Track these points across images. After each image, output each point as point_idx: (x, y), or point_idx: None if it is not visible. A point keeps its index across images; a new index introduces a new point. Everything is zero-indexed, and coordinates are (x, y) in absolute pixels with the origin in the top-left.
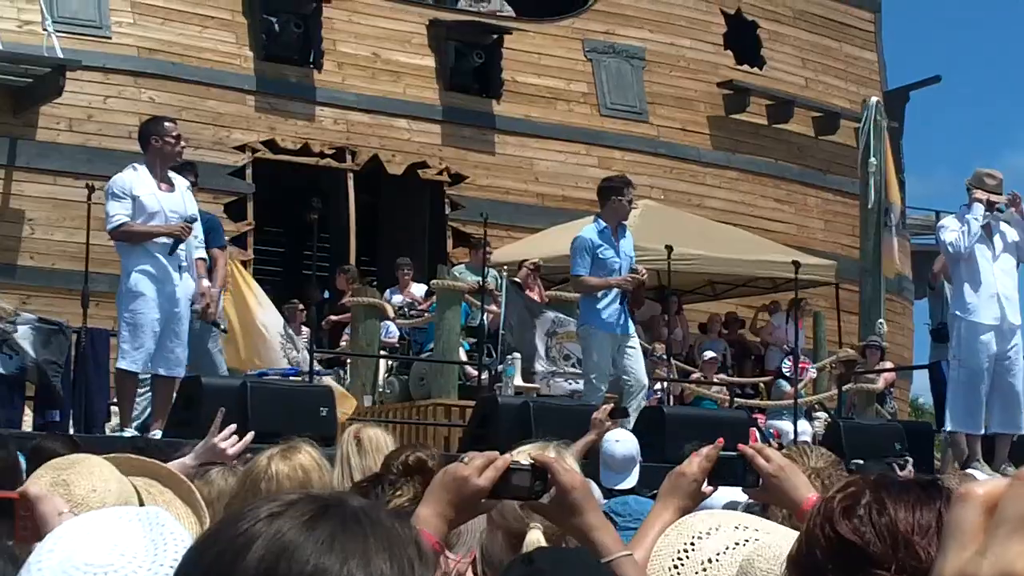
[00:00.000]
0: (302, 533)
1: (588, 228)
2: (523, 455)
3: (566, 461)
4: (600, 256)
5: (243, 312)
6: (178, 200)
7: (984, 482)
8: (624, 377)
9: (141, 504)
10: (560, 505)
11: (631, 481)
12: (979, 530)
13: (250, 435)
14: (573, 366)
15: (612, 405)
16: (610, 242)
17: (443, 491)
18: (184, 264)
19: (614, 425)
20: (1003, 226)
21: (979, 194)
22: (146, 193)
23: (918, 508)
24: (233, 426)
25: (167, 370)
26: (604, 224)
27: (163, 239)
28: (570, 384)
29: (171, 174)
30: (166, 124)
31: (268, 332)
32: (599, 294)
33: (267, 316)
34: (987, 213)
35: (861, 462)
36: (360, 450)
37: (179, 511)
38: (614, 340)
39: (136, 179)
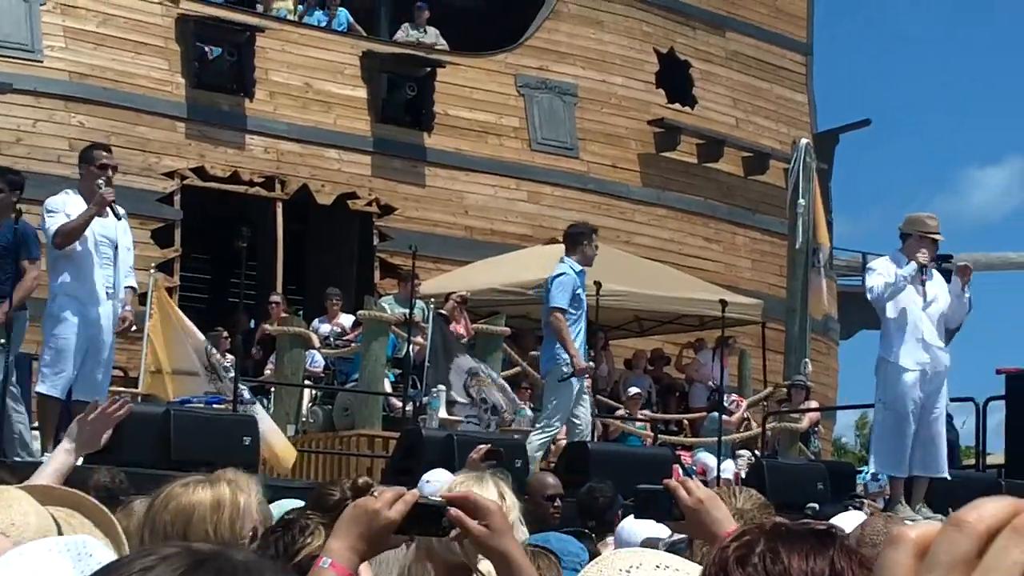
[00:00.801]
0: None
1: (566, 267)
2: (435, 481)
3: (491, 490)
4: (578, 296)
5: (168, 339)
6: (110, 225)
7: (916, 525)
8: (575, 420)
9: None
10: (484, 529)
11: None
12: (910, 574)
13: (129, 406)
14: (487, 412)
15: (489, 447)
16: (583, 285)
17: (354, 524)
18: (111, 290)
19: (486, 468)
20: (937, 275)
21: (921, 256)
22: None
23: (812, 556)
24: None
25: (87, 396)
26: (579, 267)
27: (96, 257)
28: (470, 424)
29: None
30: (95, 152)
31: (191, 359)
32: (576, 337)
33: (191, 343)
34: (916, 274)
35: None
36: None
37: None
38: (578, 384)
39: (69, 202)
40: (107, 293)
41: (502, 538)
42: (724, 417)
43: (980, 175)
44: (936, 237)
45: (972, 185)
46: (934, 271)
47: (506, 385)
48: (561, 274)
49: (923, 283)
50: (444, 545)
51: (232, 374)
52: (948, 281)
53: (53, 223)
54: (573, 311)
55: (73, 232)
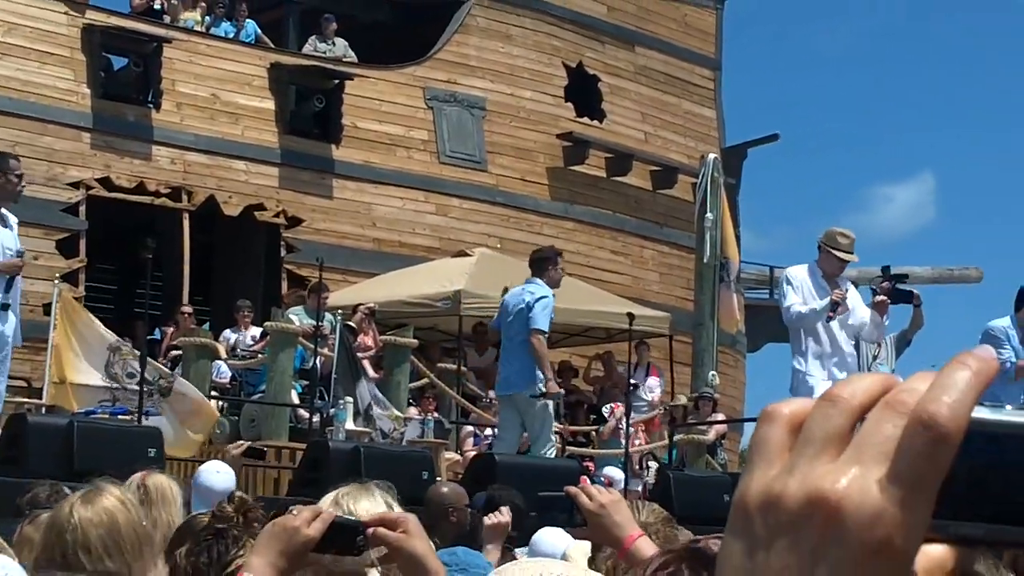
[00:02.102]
0: None
1: (546, 289)
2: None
3: (378, 500)
4: (554, 319)
5: (73, 349)
6: (10, 237)
7: (789, 401)
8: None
9: None
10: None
11: None
12: (784, 449)
13: None
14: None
15: (247, 444)
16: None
17: (273, 540)
18: (9, 302)
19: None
20: (852, 292)
21: (836, 295)
22: None
23: None
24: None
25: None
26: (552, 292)
27: None
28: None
29: (3, 211)
30: (11, 162)
31: (97, 364)
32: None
33: (97, 347)
34: (832, 312)
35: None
36: (147, 499)
37: None
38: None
39: None
40: (6, 305)
41: (418, 542)
42: (601, 428)
43: (890, 191)
44: (841, 256)
45: (881, 201)
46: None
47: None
48: (543, 296)
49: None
50: (338, 561)
51: (136, 379)
52: (904, 300)
53: None
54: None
55: None
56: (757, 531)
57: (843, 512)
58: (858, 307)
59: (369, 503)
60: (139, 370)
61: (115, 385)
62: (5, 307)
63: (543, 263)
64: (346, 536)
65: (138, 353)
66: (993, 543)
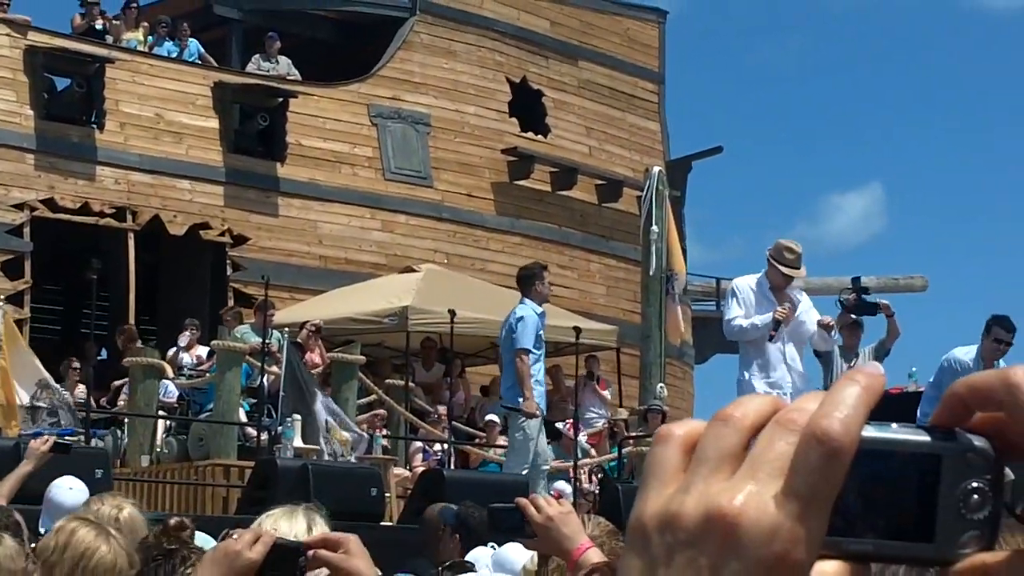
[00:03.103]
0: None
1: (527, 308)
2: (272, 522)
3: (300, 522)
4: (539, 336)
5: (15, 371)
6: None
7: (682, 423)
8: (537, 460)
9: None
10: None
11: None
12: (679, 469)
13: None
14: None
15: (53, 439)
16: (543, 324)
17: (215, 565)
18: None
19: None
20: (805, 298)
21: (778, 313)
22: None
23: None
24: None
25: None
26: (538, 307)
27: None
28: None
29: None
30: None
31: (19, 395)
32: (534, 380)
33: (27, 378)
34: (774, 331)
35: None
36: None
37: None
38: (537, 420)
39: None
40: None
41: (359, 561)
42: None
43: (840, 201)
44: (785, 271)
45: (833, 210)
46: (798, 294)
47: (353, 427)
48: (522, 317)
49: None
50: None
51: (74, 411)
52: (868, 312)
53: None
54: (536, 351)
55: None
56: (655, 550)
57: (740, 528)
58: (808, 316)
59: (288, 525)
60: (64, 407)
61: (36, 416)
62: None
63: (527, 281)
64: (288, 558)
65: (65, 395)
66: (882, 559)
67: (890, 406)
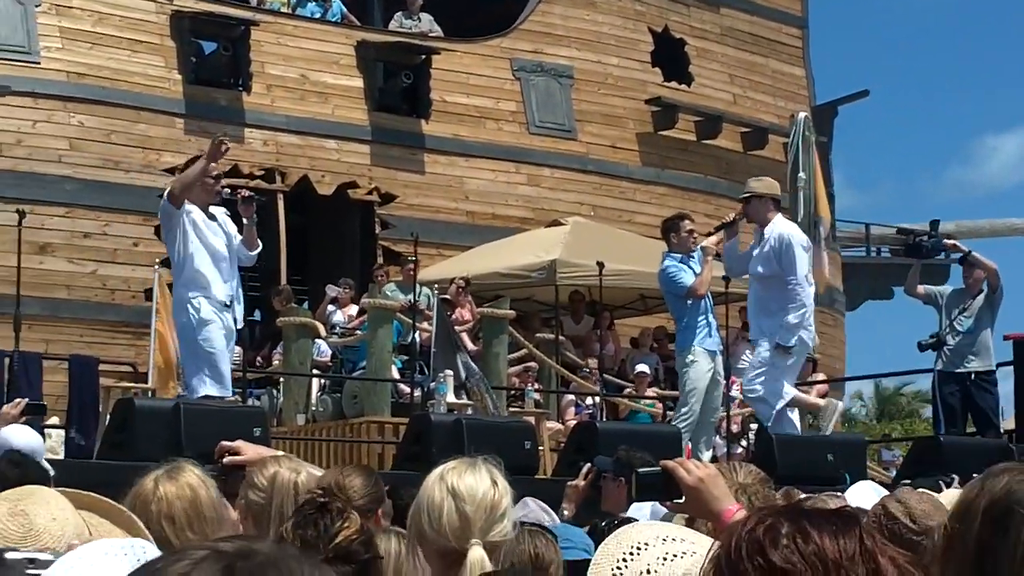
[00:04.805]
0: None
1: (670, 259)
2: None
3: (483, 476)
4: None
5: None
6: (230, 225)
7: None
8: (704, 412)
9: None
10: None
11: None
12: None
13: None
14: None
15: (25, 401)
16: (691, 269)
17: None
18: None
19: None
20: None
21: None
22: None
23: (841, 536)
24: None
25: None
26: (679, 255)
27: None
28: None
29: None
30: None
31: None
32: (699, 319)
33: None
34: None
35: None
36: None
37: None
38: (710, 366)
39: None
40: None
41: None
42: None
43: (996, 142)
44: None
45: (988, 152)
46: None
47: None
48: (664, 267)
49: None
50: (440, 533)
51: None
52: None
53: None
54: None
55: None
56: None
57: None
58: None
59: (474, 479)
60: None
61: None
62: (228, 305)
63: (665, 234)
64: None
65: None
66: None
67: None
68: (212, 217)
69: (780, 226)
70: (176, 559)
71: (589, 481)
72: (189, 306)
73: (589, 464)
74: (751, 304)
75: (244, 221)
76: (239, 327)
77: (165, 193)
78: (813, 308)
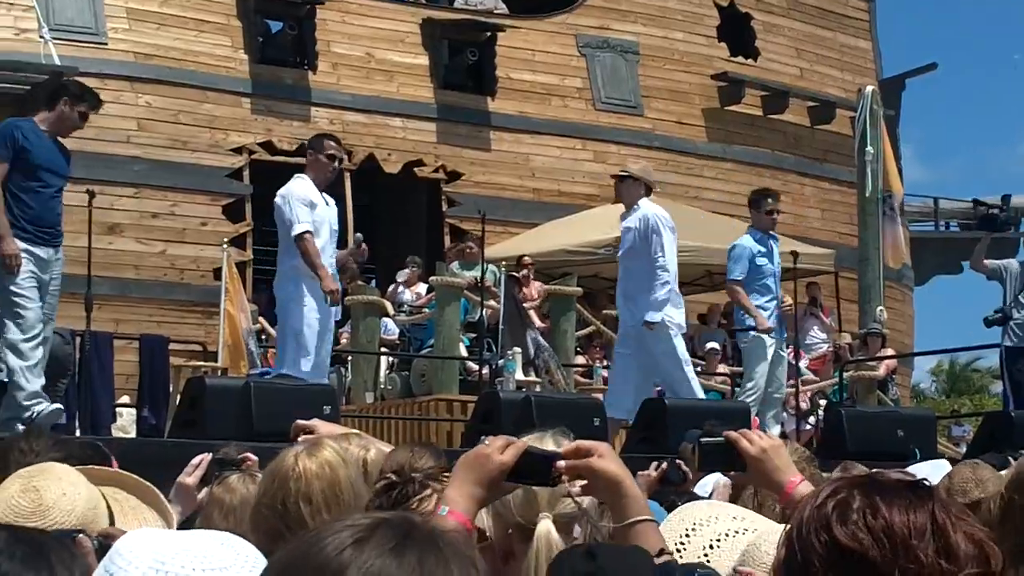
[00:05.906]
0: (392, 561)
1: (743, 238)
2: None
3: (549, 445)
4: (756, 263)
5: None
6: (335, 215)
7: None
8: (769, 387)
9: (109, 510)
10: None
11: None
12: None
13: (207, 456)
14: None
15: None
16: (767, 249)
17: (468, 471)
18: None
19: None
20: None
21: None
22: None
23: (912, 510)
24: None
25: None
26: (759, 233)
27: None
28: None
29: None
30: (326, 142)
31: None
32: (761, 300)
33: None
34: None
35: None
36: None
37: (146, 515)
38: (772, 346)
39: (305, 187)
40: None
41: (612, 464)
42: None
43: None
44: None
45: None
46: None
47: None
48: (733, 247)
49: None
50: (507, 507)
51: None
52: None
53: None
54: (753, 276)
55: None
56: None
57: None
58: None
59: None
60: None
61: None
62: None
63: (749, 205)
64: (539, 466)
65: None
66: None
67: None
68: (325, 202)
69: (646, 207)
70: (347, 523)
71: (659, 475)
72: (296, 280)
73: (657, 463)
74: (618, 288)
75: (351, 261)
76: (337, 318)
77: (297, 231)
78: (677, 289)
